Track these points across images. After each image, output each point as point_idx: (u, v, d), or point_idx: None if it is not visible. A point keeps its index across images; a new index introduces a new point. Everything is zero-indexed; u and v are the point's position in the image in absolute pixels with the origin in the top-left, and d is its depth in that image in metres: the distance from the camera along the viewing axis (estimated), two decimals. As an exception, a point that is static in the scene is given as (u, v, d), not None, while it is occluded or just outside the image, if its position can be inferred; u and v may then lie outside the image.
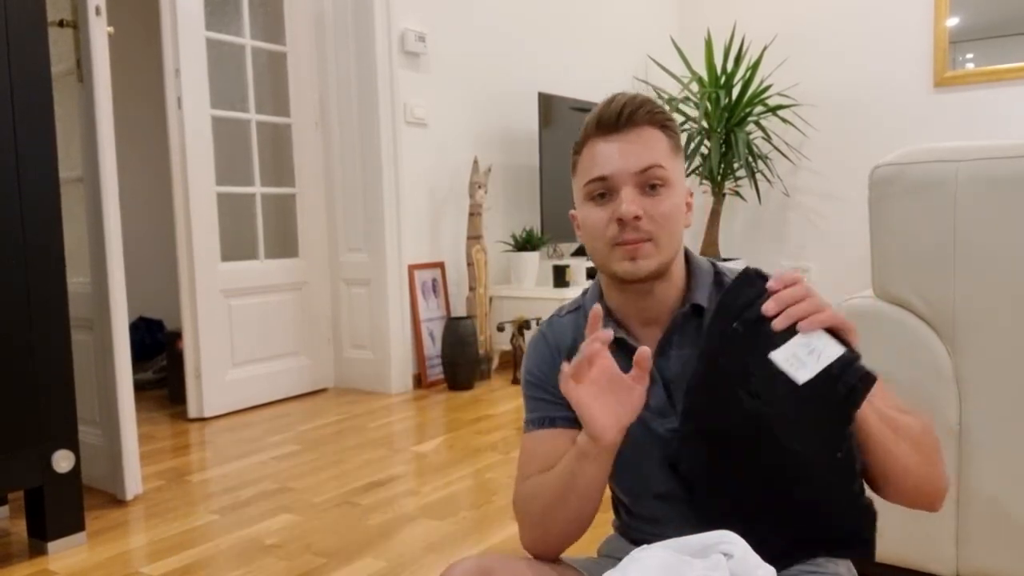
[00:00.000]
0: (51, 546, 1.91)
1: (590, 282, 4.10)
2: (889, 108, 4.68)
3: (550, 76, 4.34)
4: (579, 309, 1.11)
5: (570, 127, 4.01)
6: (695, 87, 4.73)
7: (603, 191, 0.98)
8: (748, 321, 0.90)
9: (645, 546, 0.85)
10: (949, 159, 1.30)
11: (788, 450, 0.89)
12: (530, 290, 3.83)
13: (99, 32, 2.16)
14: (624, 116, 0.96)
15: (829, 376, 0.85)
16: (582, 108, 4.10)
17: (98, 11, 2.14)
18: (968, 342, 1.30)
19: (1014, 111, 4.35)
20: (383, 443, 2.75)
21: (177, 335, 3.28)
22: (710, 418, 0.94)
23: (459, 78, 3.83)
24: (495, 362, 3.84)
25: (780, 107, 4.70)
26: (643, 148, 0.96)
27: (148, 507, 2.20)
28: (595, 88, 4.67)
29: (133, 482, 2.25)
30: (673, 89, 5.01)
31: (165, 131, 3.13)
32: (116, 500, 2.25)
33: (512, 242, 3.94)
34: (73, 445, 1.93)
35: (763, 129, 4.76)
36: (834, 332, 0.87)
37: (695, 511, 0.96)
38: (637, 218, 0.95)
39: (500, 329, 3.71)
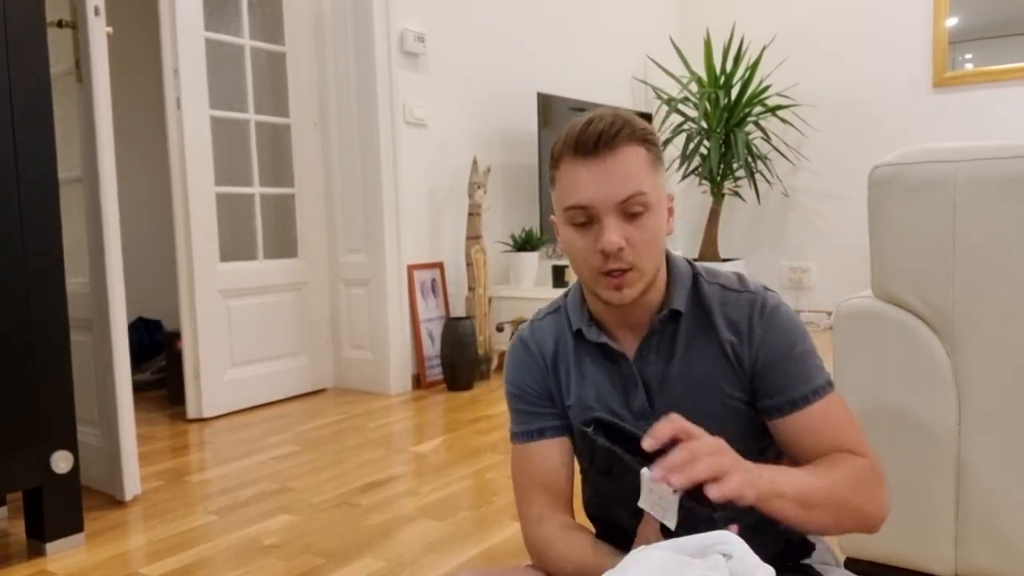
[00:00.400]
0: (50, 547, 1.91)
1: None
2: (889, 108, 4.68)
3: (550, 76, 4.34)
4: (559, 311, 1.11)
5: (569, 127, 4.01)
6: (694, 87, 4.74)
7: (584, 220, 0.97)
8: (601, 466, 0.90)
9: (644, 546, 0.85)
10: (949, 159, 1.30)
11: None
12: (529, 290, 3.83)
13: (98, 32, 2.15)
14: (603, 141, 0.94)
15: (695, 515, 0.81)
16: (582, 108, 4.10)
17: (97, 11, 2.14)
18: (967, 342, 1.30)
19: (1014, 111, 4.35)
20: (382, 443, 2.75)
21: (176, 335, 3.28)
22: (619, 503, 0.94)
23: (459, 78, 3.83)
24: (494, 362, 3.84)
25: (779, 107, 4.71)
26: (624, 175, 0.94)
27: (147, 508, 2.20)
28: (595, 88, 4.67)
29: (132, 483, 2.25)
30: (672, 89, 5.01)
31: (164, 131, 3.13)
32: (115, 501, 2.25)
33: (511, 242, 3.94)
34: (72, 446, 1.93)
35: (762, 129, 4.76)
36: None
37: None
38: (620, 249, 0.95)
39: (499, 329, 3.71)
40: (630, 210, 0.95)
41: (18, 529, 2.07)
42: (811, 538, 1.06)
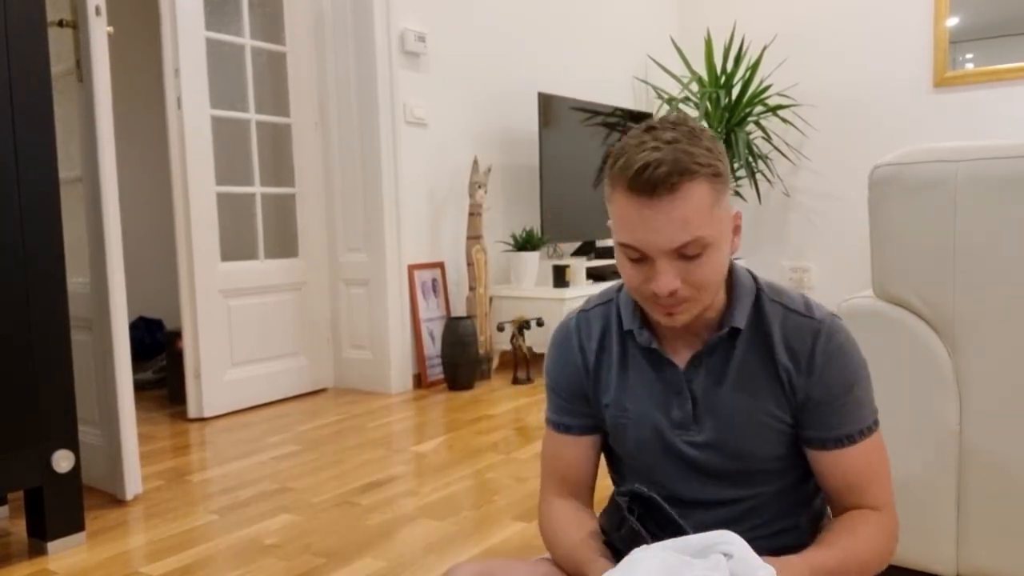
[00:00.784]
0: (51, 546, 1.91)
1: (590, 282, 4.06)
2: (889, 108, 4.68)
3: (550, 76, 4.34)
4: (610, 303, 1.07)
5: (570, 127, 4.01)
6: (695, 87, 4.74)
7: (637, 257, 0.91)
8: (624, 539, 0.91)
9: (644, 546, 0.85)
10: (949, 159, 1.30)
11: None
12: (530, 290, 3.83)
13: (99, 32, 2.16)
14: (660, 186, 0.86)
15: None
16: (582, 108, 4.10)
17: (98, 11, 2.14)
18: (968, 342, 1.30)
19: (1014, 111, 4.35)
20: (383, 443, 2.75)
21: (177, 335, 3.28)
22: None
23: (459, 78, 3.83)
24: (495, 362, 3.84)
25: (780, 107, 4.71)
26: (681, 220, 0.87)
27: (148, 507, 2.20)
28: (596, 88, 4.67)
29: (133, 482, 2.25)
30: (673, 89, 5.01)
31: (165, 131, 3.13)
32: (116, 500, 2.25)
33: (512, 242, 3.94)
34: (73, 445, 1.93)
35: (763, 129, 4.77)
36: None
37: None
38: (673, 291, 0.90)
39: (500, 329, 3.71)
40: (687, 253, 0.89)
41: (19, 528, 2.07)
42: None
